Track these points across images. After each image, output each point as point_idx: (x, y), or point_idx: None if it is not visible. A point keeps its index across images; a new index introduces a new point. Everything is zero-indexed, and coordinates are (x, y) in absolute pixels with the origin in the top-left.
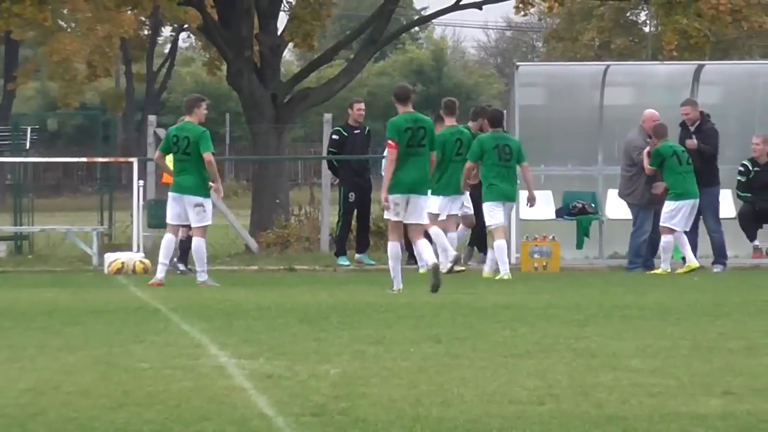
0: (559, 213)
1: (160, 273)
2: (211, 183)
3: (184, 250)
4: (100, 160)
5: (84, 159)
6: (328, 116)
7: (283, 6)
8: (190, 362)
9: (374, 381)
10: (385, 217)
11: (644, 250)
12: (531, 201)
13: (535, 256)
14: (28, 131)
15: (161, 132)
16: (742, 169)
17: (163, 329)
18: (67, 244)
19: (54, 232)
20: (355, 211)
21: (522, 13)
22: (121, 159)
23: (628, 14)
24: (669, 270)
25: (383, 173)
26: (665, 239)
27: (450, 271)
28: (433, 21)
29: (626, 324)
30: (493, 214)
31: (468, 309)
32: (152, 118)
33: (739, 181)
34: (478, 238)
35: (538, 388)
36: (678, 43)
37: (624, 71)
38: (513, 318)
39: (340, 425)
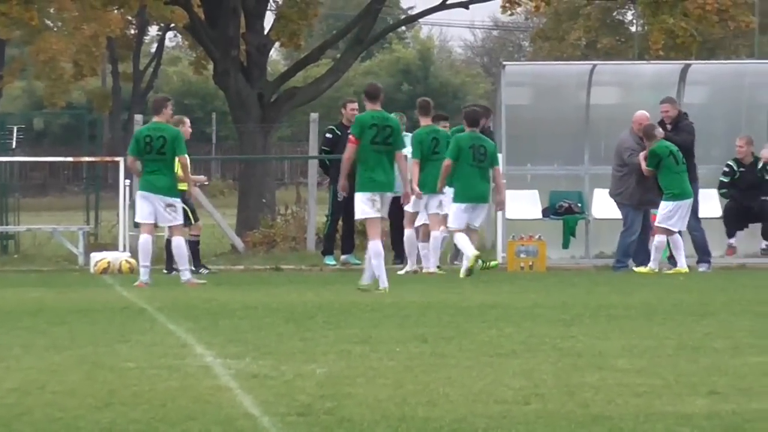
0: (546, 212)
1: (144, 275)
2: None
3: (193, 251)
4: (87, 159)
5: (70, 158)
6: (314, 116)
7: (269, 5)
8: (176, 362)
9: (360, 381)
10: (359, 216)
11: (633, 251)
12: (500, 205)
13: (522, 255)
14: (14, 130)
15: None
16: (726, 169)
17: (149, 329)
18: (53, 243)
19: (40, 231)
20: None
21: (509, 12)
22: (108, 158)
23: (614, 14)
24: (656, 270)
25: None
26: (659, 239)
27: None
28: (420, 20)
29: (612, 324)
30: (459, 216)
31: (454, 309)
32: (138, 118)
33: (721, 181)
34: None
35: (523, 388)
36: (664, 43)
37: (610, 71)
38: (499, 318)
39: (325, 425)
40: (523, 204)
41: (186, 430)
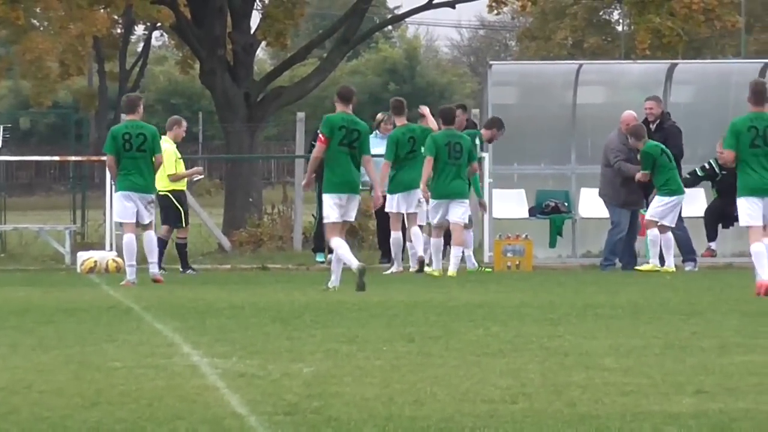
0: (532, 212)
1: (131, 275)
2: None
3: (181, 253)
4: (73, 158)
5: (57, 158)
6: (301, 115)
7: (256, 5)
8: (163, 361)
9: (347, 380)
10: (325, 221)
11: (620, 249)
12: (483, 206)
13: (508, 254)
14: (0, 130)
15: None
16: (706, 165)
17: (136, 328)
18: (39, 242)
19: (26, 230)
20: None
21: (495, 11)
22: (94, 158)
23: (601, 13)
24: (658, 266)
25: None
26: (653, 233)
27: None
28: (406, 20)
29: (599, 323)
30: (435, 211)
31: (441, 308)
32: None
33: (694, 171)
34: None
35: (510, 387)
36: (651, 42)
37: (597, 70)
38: (486, 317)
39: (312, 424)
40: (510, 203)
41: (173, 430)
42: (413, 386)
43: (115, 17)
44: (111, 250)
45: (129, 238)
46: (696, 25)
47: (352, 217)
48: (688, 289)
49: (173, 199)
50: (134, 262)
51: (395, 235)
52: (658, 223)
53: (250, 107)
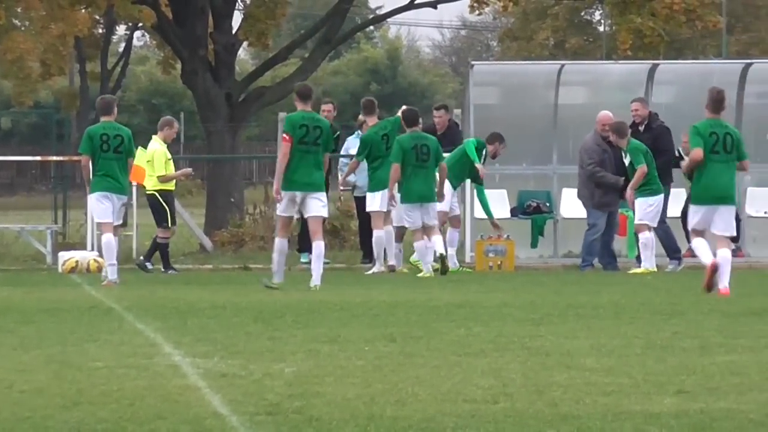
0: (514, 212)
1: (112, 274)
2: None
3: (157, 250)
4: (54, 158)
5: (38, 158)
6: (282, 115)
7: (237, 5)
8: (145, 361)
9: (329, 380)
10: (277, 212)
11: (596, 250)
12: (439, 197)
13: (490, 255)
14: None
15: None
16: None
17: (118, 328)
18: (20, 242)
19: (8, 230)
20: None
21: (477, 12)
22: (76, 158)
23: (582, 14)
24: (653, 268)
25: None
26: (644, 236)
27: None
28: (388, 20)
29: (580, 323)
30: (410, 217)
31: (422, 308)
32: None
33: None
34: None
35: (492, 387)
36: (632, 43)
37: (578, 70)
38: (467, 317)
39: (294, 424)
40: (492, 203)
41: (154, 429)
42: (395, 386)
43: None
44: (92, 250)
45: (108, 238)
46: (677, 25)
47: (315, 212)
48: (669, 289)
49: (160, 199)
50: (115, 262)
51: (377, 234)
52: (644, 224)
53: (232, 107)
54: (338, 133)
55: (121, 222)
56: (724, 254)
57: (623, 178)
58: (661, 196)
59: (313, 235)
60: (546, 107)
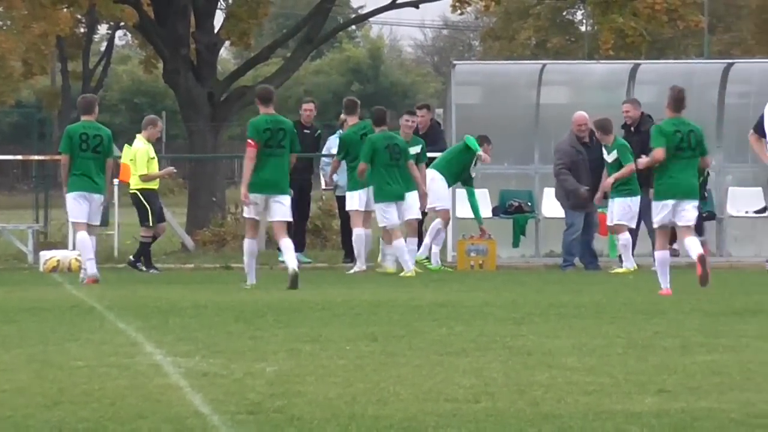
0: (496, 211)
1: (91, 269)
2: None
3: (144, 252)
4: (36, 158)
5: (20, 157)
6: None
7: (219, 4)
8: (126, 360)
9: (310, 379)
10: (244, 215)
11: (576, 249)
12: (422, 198)
13: (472, 254)
14: None
15: None
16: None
17: (99, 327)
18: (2, 242)
19: None
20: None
21: (459, 11)
22: (57, 157)
23: (564, 13)
24: (634, 267)
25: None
26: (623, 237)
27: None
28: (370, 19)
29: (562, 322)
30: (386, 215)
31: (404, 307)
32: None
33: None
34: None
35: (473, 386)
36: (614, 42)
37: (560, 70)
38: (449, 316)
39: (275, 423)
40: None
41: (136, 429)
42: (376, 385)
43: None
44: (74, 249)
45: (82, 236)
46: (659, 25)
47: (282, 214)
48: (650, 289)
49: (141, 198)
50: (92, 256)
51: (357, 233)
52: (623, 225)
53: (214, 107)
54: (319, 132)
55: (99, 222)
56: (691, 242)
57: (587, 188)
58: (639, 198)
59: (278, 237)
60: (528, 107)
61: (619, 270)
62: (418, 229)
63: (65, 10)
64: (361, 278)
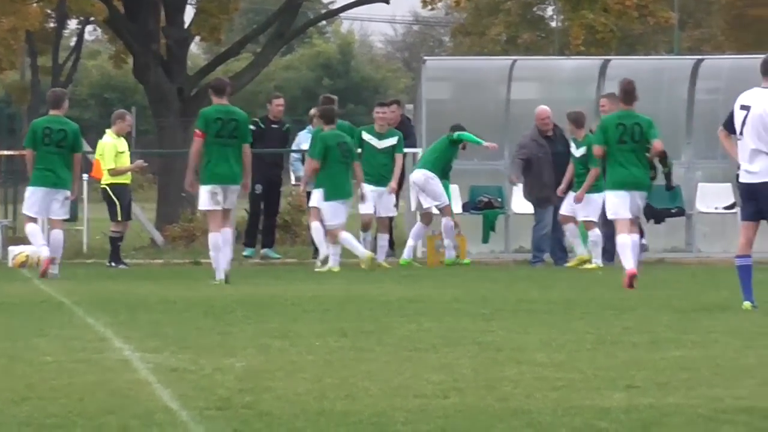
0: (466, 207)
1: (44, 252)
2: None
3: (114, 247)
4: (5, 153)
5: None
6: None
7: None
8: (95, 356)
9: (279, 375)
10: (201, 207)
11: (546, 245)
12: (362, 198)
13: (441, 250)
14: None
15: None
16: None
17: (68, 323)
18: None
19: None
20: (263, 205)
21: (429, 7)
22: (24, 152)
23: (534, 9)
24: (601, 264)
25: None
26: (594, 233)
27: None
28: (341, 15)
29: (532, 318)
30: (338, 213)
31: (374, 303)
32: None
33: None
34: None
35: (443, 382)
36: (584, 38)
37: (531, 66)
38: (419, 312)
39: (244, 419)
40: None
41: (104, 424)
42: (345, 381)
43: (48, 11)
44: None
45: (31, 227)
46: (629, 21)
47: (230, 204)
48: (620, 285)
49: (110, 192)
50: (43, 242)
51: (314, 225)
52: (591, 221)
53: (184, 102)
54: (287, 126)
55: (66, 216)
56: (633, 238)
57: (520, 183)
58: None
59: (224, 223)
60: (498, 102)
61: (589, 266)
62: (389, 225)
63: (35, 5)
64: (331, 274)
